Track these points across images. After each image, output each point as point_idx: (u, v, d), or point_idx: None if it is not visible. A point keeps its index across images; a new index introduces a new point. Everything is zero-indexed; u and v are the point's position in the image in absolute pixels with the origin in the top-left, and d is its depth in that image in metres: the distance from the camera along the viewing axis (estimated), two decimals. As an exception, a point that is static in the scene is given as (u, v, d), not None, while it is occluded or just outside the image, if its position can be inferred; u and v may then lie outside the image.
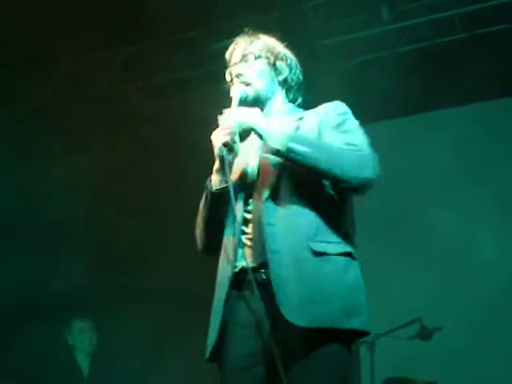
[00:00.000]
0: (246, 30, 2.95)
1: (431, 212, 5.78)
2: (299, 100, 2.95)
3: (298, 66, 2.95)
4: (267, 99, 2.85)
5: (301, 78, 2.95)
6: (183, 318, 5.77)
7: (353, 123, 2.68)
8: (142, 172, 6.41)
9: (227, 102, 2.74)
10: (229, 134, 2.59)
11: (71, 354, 5.74)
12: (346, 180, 2.50)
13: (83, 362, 5.73)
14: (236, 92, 2.77)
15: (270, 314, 2.49)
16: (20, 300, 5.72)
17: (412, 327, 5.39)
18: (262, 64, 2.85)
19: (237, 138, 2.62)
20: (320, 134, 2.66)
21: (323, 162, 2.48)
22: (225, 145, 2.58)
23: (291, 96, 2.92)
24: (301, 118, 2.78)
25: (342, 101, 2.83)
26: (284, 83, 2.90)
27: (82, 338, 5.77)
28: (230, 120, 2.63)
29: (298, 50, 3.00)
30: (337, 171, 2.48)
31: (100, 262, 6.26)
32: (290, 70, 2.91)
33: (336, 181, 2.53)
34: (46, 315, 5.72)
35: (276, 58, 2.88)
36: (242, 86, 2.79)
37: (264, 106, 2.83)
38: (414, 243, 5.88)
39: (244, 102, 2.76)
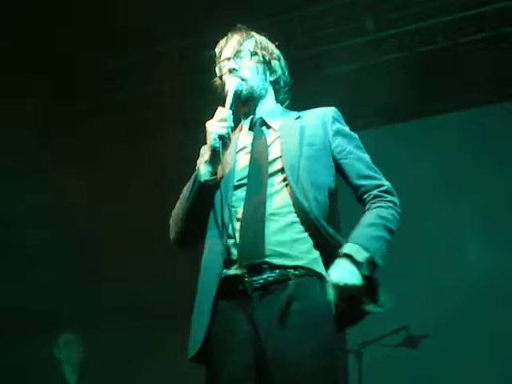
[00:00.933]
0: (239, 26, 2.93)
1: (418, 219, 5.81)
2: (286, 102, 2.96)
3: (287, 69, 2.96)
4: (260, 97, 2.85)
5: (289, 79, 2.95)
6: (171, 334, 5.74)
7: (357, 142, 2.78)
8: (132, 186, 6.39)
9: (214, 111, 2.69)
10: (226, 127, 2.60)
11: (58, 366, 5.71)
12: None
13: (70, 375, 5.69)
14: (231, 85, 2.75)
15: (265, 322, 2.45)
16: (6, 313, 5.68)
17: (399, 335, 5.41)
18: (257, 61, 2.84)
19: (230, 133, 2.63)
20: (333, 153, 2.72)
21: (390, 232, 2.60)
22: (221, 137, 2.59)
23: (280, 97, 2.93)
24: (299, 117, 2.81)
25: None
26: (275, 83, 2.91)
27: (68, 350, 5.73)
28: (230, 116, 2.63)
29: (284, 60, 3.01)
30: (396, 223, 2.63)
31: (88, 276, 6.21)
32: (282, 70, 2.93)
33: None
34: (32, 328, 5.69)
35: (270, 56, 2.89)
36: (238, 79, 2.78)
37: (256, 104, 2.85)
38: (401, 251, 5.90)
39: (238, 97, 2.76)
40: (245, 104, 2.83)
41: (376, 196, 2.65)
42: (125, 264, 6.23)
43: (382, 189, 2.67)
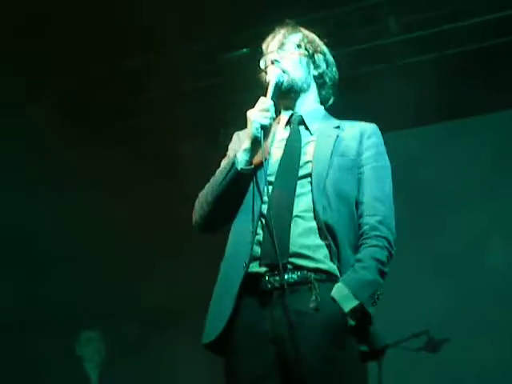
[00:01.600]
0: (287, 21, 2.92)
1: (442, 222, 5.78)
2: (331, 100, 2.92)
3: (335, 65, 2.91)
4: (302, 91, 2.82)
5: (336, 76, 2.91)
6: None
7: (387, 165, 2.73)
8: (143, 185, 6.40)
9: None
10: (269, 118, 2.59)
11: (80, 364, 5.74)
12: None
13: (92, 373, 5.72)
14: (272, 76, 2.72)
15: (284, 323, 2.43)
16: (29, 311, 5.71)
17: (420, 339, 5.37)
18: (301, 54, 2.81)
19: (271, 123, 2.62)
20: (359, 164, 2.67)
21: (383, 276, 2.54)
22: (263, 127, 2.58)
23: (324, 93, 2.89)
24: (338, 127, 2.77)
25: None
26: (319, 78, 2.86)
27: (89, 348, 5.76)
28: (272, 106, 2.61)
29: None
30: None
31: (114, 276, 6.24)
32: (327, 65, 2.88)
33: None
34: (54, 326, 5.72)
35: (315, 50, 2.85)
36: (279, 70, 2.75)
37: (297, 97, 2.82)
38: (424, 253, 5.87)
39: (279, 88, 2.72)
40: (285, 96, 2.79)
41: (374, 228, 2.57)
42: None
43: (381, 219, 2.59)
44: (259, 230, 2.55)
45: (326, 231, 2.52)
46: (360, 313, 2.44)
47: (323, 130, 2.76)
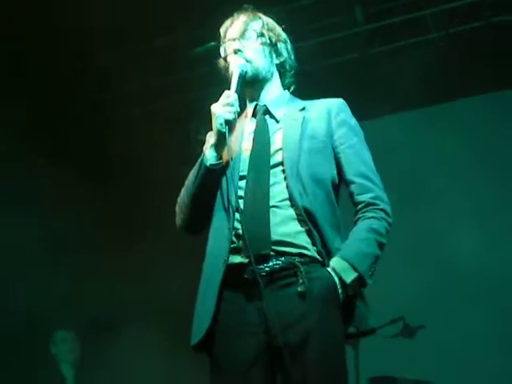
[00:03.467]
0: (245, 6, 2.86)
1: (416, 210, 5.83)
2: (292, 87, 2.89)
3: (293, 52, 2.89)
4: (265, 80, 2.79)
5: (295, 63, 2.88)
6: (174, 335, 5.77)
7: (361, 138, 2.72)
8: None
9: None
10: (233, 112, 2.56)
11: (55, 364, 5.71)
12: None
13: (68, 373, 5.70)
14: (235, 67, 2.69)
15: (273, 311, 2.41)
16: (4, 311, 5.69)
17: (395, 325, 5.42)
18: (263, 43, 2.77)
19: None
20: (333, 144, 2.66)
21: (381, 247, 2.56)
22: (227, 123, 2.55)
23: (286, 81, 2.86)
24: (303, 109, 2.74)
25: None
26: (281, 66, 2.84)
27: (64, 347, 5.74)
28: (236, 100, 2.58)
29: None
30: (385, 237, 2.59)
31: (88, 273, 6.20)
32: (288, 53, 2.85)
33: None
34: (30, 326, 5.70)
35: (277, 38, 2.82)
36: (242, 60, 2.71)
37: (261, 87, 2.79)
38: (398, 241, 5.90)
39: (243, 78, 2.68)
40: (249, 86, 2.75)
41: (369, 204, 2.59)
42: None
43: (374, 194, 2.60)
44: (237, 225, 2.52)
45: (305, 217, 2.51)
46: (358, 284, 2.49)
47: (289, 114, 2.73)
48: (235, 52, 2.74)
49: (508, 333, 5.66)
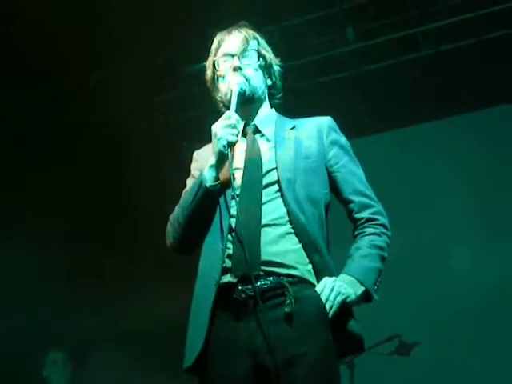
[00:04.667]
0: (243, 22, 2.85)
1: (407, 226, 5.82)
2: (276, 107, 2.89)
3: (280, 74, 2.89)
4: (259, 100, 2.79)
5: (281, 86, 2.89)
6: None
7: (352, 155, 2.76)
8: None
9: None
10: (236, 134, 2.52)
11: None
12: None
13: None
14: (235, 84, 2.66)
15: (260, 331, 2.41)
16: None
17: (391, 343, 5.40)
18: (261, 63, 2.77)
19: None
20: (326, 164, 2.68)
21: (383, 261, 2.61)
22: (230, 145, 2.51)
23: (273, 102, 2.87)
24: (294, 127, 2.75)
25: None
26: (271, 88, 2.85)
27: (55, 369, 5.74)
28: (237, 120, 2.54)
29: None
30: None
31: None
32: (279, 75, 2.87)
33: None
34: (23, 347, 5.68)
35: (272, 60, 2.83)
36: (242, 78, 2.70)
37: (255, 107, 2.78)
38: (391, 258, 5.89)
39: (241, 97, 2.66)
40: (244, 106, 2.69)
41: (368, 219, 2.64)
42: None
43: (373, 210, 2.65)
44: (229, 245, 2.53)
45: (299, 235, 2.53)
46: (364, 299, 2.53)
47: (280, 134, 2.73)
48: (235, 69, 2.72)
49: (506, 349, 5.65)
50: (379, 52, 5.89)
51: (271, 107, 2.87)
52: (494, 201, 5.99)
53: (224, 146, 2.50)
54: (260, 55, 2.77)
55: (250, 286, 2.44)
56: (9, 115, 6.37)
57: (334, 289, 2.47)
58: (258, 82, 2.76)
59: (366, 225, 2.63)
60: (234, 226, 2.55)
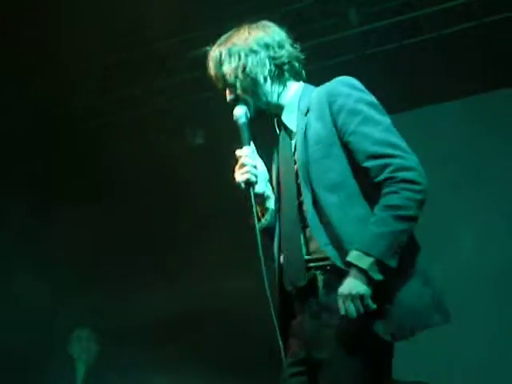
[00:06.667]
0: (214, 45, 2.77)
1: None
2: (303, 74, 2.79)
3: (284, 43, 2.73)
4: (270, 103, 2.71)
5: (292, 51, 2.74)
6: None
7: (365, 113, 2.53)
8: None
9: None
10: (248, 171, 2.59)
11: (70, 361, 5.79)
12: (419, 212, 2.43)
13: (80, 370, 5.75)
14: (237, 118, 2.67)
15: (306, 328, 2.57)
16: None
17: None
18: (246, 75, 2.67)
19: (256, 171, 2.63)
20: (339, 135, 2.54)
21: (405, 220, 2.40)
22: (247, 183, 2.59)
23: (293, 73, 2.75)
24: (308, 112, 2.63)
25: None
26: (278, 67, 2.70)
27: (79, 346, 5.81)
28: (246, 156, 2.61)
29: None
30: (410, 212, 2.40)
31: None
32: (274, 51, 2.70)
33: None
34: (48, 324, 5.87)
35: (253, 60, 2.67)
36: (240, 109, 2.67)
37: (271, 107, 2.73)
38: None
39: (251, 122, 2.68)
40: (261, 117, 2.72)
41: (386, 179, 2.42)
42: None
43: (391, 168, 2.41)
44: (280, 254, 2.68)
45: (324, 232, 2.51)
46: (382, 270, 2.35)
47: (299, 123, 2.65)
48: (232, 100, 2.71)
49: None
50: (382, 35, 5.88)
51: (293, 80, 2.76)
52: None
53: (246, 189, 2.60)
54: (237, 75, 2.66)
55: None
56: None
57: (344, 298, 2.39)
58: (257, 95, 2.69)
59: (384, 188, 2.42)
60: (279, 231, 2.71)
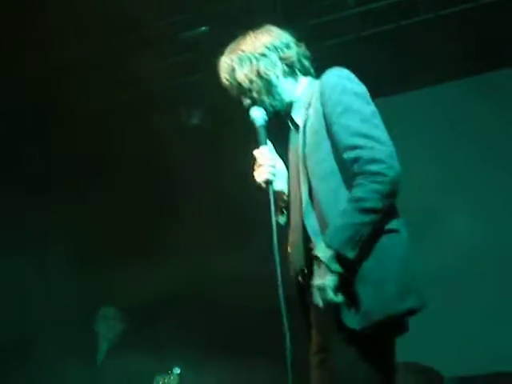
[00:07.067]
0: (224, 56, 2.88)
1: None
2: (311, 70, 2.90)
3: (291, 42, 2.87)
4: (282, 102, 2.82)
5: (297, 48, 2.87)
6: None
7: (347, 102, 2.58)
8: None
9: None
10: (265, 172, 2.68)
11: (95, 338, 5.83)
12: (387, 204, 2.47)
13: (103, 346, 5.78)
14: (255, 121, 2.78)
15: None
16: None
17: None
18: (259, 76, 2.79)
19: (275, 170, 2.73)
20: (327, 128, 2.61)
21: (367, 212, 2.43)
22: (267, 182, 2.68)
23: (303, 69, 2.87)
24: (309, 105, 2.73)
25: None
26: (288, 66, 2.83)
27: (105, 324, 5.83)
28: (264, 155, 2.72)
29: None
30: (374, 204, 2.44)
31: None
32: (282, 51, 2.83)
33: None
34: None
35: (264, 64, 2.80)
36: (258, 112, 2.79)
37: (289, 109, 2.84)
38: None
39: (268, 123, 2.79)
40: (278, 117, 2.85)
41: (356, 174, 2.47)
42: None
43: (360, 162, 2.46)
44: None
45: (315, 220, 2.59)
46: (343, 262, 2.41)
47: (302, 119, 2.76)
48: (248, 106, 2.83)
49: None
50: (379, 16, 5.85)
51: (303, 75, 2.88)
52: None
53: (266, 186, 2.70)
54: (251, 80, 2.79)
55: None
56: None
57: (313, 289, 2.48)
58: (272, 93, 2.81)
59: (354, 180, 2.48)
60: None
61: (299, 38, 2.91)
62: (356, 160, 2.47)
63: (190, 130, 6.32)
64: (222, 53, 2.89)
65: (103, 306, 5.92)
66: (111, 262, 6.17)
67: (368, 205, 2.42)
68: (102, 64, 6.29)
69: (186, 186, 6.42)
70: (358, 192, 2.44)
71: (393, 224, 2.52)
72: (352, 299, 2.42)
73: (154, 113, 6.47)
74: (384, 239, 2.48)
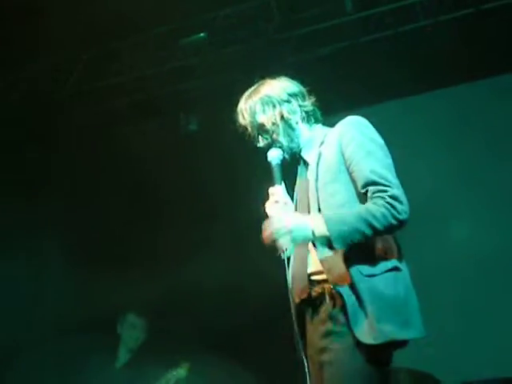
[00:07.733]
0: (245, 95, 3.06)
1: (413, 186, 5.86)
2: (320, 119, 3.10)
3: (304, 91, 3.08)
4: (298, 144, 3.01)
5: (312, 99, 3.07)
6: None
7: (369, 148, 2.80)
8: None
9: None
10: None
11: (116, 342, 5.75)
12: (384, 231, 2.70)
13: (123, 355, 5.68)
14: (273, 161, 2.94)
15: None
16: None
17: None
18: (284, 122, 2.98)
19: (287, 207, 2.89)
20: (346, 166, 2.81)
21: (369, 227, 2.64)
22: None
23: (313, 118, 3.07)
24: (322, 143, 2.95)
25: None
26: (307, 114, 3.05)
27: (130, 332, 5.73)
28: (278, 194, 2.88)
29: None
30: (376, 227, 2.65)
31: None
32: (299, 103, 3.04)
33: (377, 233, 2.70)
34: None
35: (287, 109, 3.00)
36: (275, 152, 2.95)
37: (301, 150, 3.02)
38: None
39: (283, 163, 2.95)
40: (294, 157, 3.01)
41: (376, 192, 2.70)
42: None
43: (386, 193, 2.69)
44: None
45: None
46: (327, 244, 2.69)
47: (314, 157, 2.94)
48: (267, 147, 2.99)
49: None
50: (377, 22, 5.86)
51: (313, 123, 3.07)
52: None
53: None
54: (274, 122, 2.98)
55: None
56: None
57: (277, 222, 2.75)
58: (289, 136, 3.00)
59: (374, 197, 2.71)
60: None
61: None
62: (381, 190, 2.70)
63: (184, 135, 6.34)
64: (241, 96, 3.07)
65: (131, 312, 5.81)
66: (97, 268, 6.13)
67: (375, 224, 2.65)
68: (98, 66, 6.32)
69: (173, 191, 6.39)
70: (375, 210, 2.66)
71: (395, 263, 2.77)
72: (365, 316, 2.64)
73: (150, 119, 6.48)
74: (390, 275, 2.72)
